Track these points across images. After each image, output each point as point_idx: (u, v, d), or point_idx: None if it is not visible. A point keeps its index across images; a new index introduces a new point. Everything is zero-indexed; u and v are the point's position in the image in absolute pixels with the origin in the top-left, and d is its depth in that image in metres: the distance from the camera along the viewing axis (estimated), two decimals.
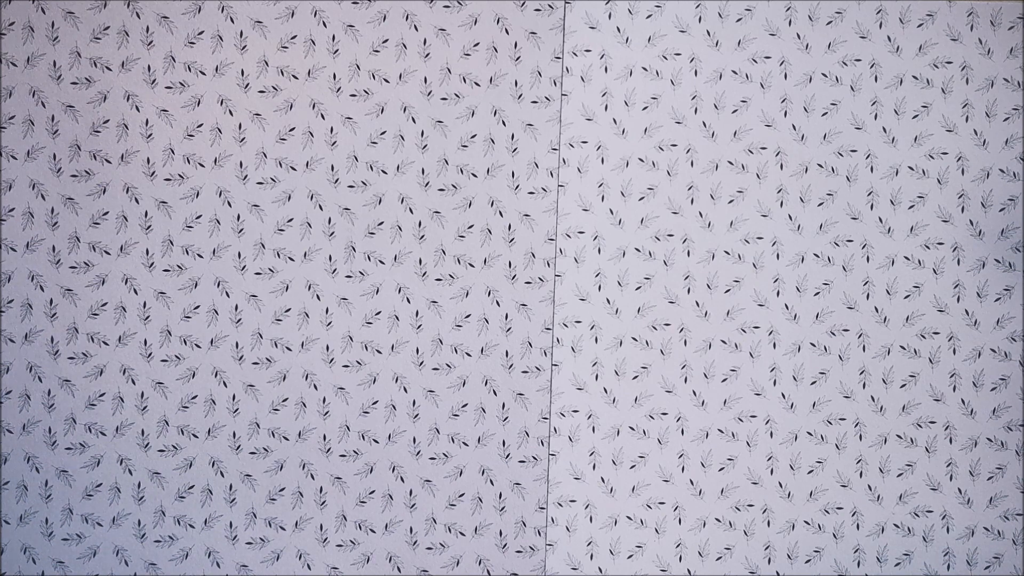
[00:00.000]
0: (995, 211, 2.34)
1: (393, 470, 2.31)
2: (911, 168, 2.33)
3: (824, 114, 2.31)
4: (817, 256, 2.33)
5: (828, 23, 2.31)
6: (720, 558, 2.35)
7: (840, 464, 2.35)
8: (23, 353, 2.25)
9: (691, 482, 2.34)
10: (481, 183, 2.29)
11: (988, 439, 2.35)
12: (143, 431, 2.27)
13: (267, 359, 2.28)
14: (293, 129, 2.26)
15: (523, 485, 2.32)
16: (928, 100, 2.32)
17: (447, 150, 2.28)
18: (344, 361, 2.29)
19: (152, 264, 2.25)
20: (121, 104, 2.23)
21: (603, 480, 2.33)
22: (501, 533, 2.32)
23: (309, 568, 2.30)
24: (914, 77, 2.32)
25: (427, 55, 2.26)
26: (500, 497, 2.32)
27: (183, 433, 2.28)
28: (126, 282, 2.25)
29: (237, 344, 2.27)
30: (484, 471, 2.31)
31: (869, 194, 2.33)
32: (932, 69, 2.32)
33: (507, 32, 2.27)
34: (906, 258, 2.33)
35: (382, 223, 2.28)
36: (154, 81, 2.24)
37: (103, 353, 2.25)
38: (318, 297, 2.28)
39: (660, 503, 2.34)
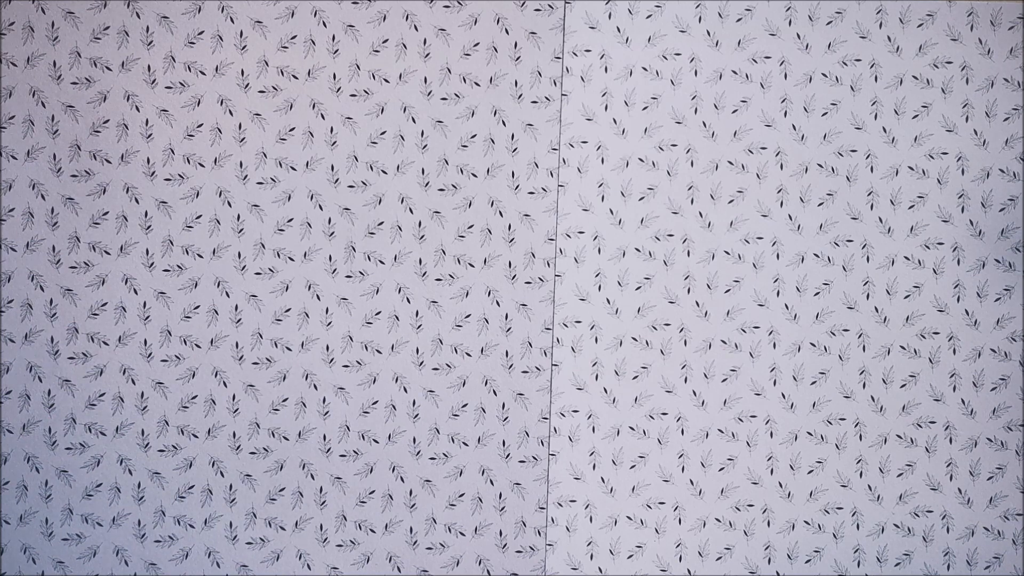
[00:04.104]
0: (995, 211, 2.34)
1: (393, 470, 2.31)
2: (911, 168, 2.33)
3: (824, 114, 2.32)
4: (817, 256, 2.33)
5: (828, 23, 2.31)
6: (720, 558, 2.35)
7: (840, 464, 2.35)
8: (23, 353, 2.25)
9: (691, 482, 2.34)
10: (481, 183, 2.29)
11: (988, 439, 2.35)
12: (143, 431, 2.27)
13: (267, 359, 2.28)
14: (293, 129, 2.26)
15: (523, 485, 2.32)
16: (928, 100, 2.32)
17: (447, 150, 2.28)
18: (344, 361, 2.29)
19: (152, 264, 2.25)
20: (121, 104, 2.23)
21: (603, 480, 2.33)
22: (501, 533, 2.32)
23: (309, 568, 2.30)
24: (914, 77, 2.32)
25: (427, 55, 2.27)
26: (500, 497, 2.32)
27: (183, 433, 2.28)
28: (126, 282, 2.25)
29: (237, 344, 2.27)
30: (484, 471, 2.32)
31: (869, 194, 2.33)
32: (932, 69, 2.32)
33: (507, 32, 2.27)
34: (906, 258, 2.34)
35: (382, 223, 2.28)
36: (154, 81, 2.24)
37: (103, 353, 2.25)
38: (318, 297, 2.28)
39: (660, 503, 2.34)
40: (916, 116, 2.32)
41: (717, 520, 2.34)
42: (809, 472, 2.35)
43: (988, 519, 2.36)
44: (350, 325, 2.28)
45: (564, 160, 2.30)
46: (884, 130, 2.32)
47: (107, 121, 2.23)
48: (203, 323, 2.27)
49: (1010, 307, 2.34)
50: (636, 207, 2.31)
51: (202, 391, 2.28)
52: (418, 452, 2.31)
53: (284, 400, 2.29)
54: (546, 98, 2.29)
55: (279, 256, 2.27)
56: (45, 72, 2.22)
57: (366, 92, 2.26)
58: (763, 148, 2.31)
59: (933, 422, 2.35)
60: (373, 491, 2.31)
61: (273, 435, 2.29)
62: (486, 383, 2.31)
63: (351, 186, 2.27)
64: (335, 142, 2.27)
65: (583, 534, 2.33)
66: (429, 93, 2.27)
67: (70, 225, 2.24)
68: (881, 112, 2.32)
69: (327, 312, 2.28)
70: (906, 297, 2.34)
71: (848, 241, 2.33)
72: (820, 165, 2.32)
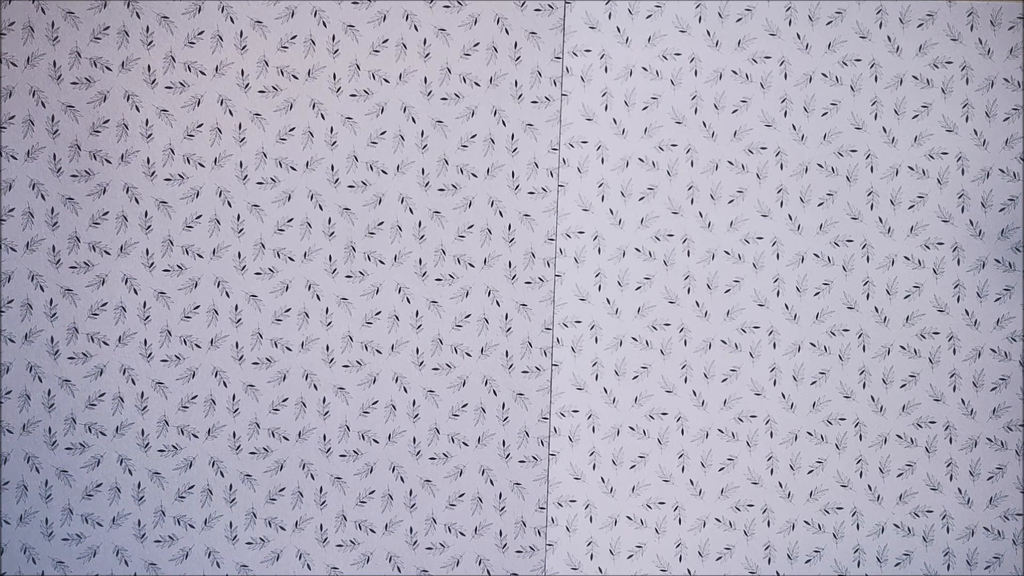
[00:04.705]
0: (995, 211, 2.34)
1: (393, 470, 2.31)
2: (911, 168, 2.33)
3: (824, 114, 2.32)
4: (817, 256, 2.33)
5: (828, 23, 2.31)
6: (720, 558, 2.35)
7: (840, 464, 2.35)
8: (23, 353, 2.25)
9: (691, 482, 2.34)
10: (481, 183, 2.29)
11: (988, 439, 2.35)
12: (143, 431, 2.27)
13: (267, 359, 2.28)
14: (293, 129, 2.26)
15: (523, 485, 2.32)
16: (928, 100, 2.32)
17: (447, 150, 2.28)
18: (344, 361, 2.29)
19: (152, 264, 2.25)
20: (121, 104, 2.23)
21: (603, 480, 2.33)
22: (501, 533, 2.32)
23: (309, 568, 2.30)
24: (914, 77, 2.32)
25: (427, 55, 2.27)
26: (500, 497, 2.32)
27: (183, 433, 2.28)
28: (126, 282, 2.25)
29: (237, 344, 2.27)
30: (484, 471, 2.32)
31: (869, 194, 2.33)
32: (932, 69, 2.32)
33: (507, 32, 2.27)
34: (906, 258, 2.34)
35: (382, 223, 2.28)
36: (154, 81, 2.24)
37: (103, 353, 2.25)
38: (318, 297, 2.28)
39: (660, 503, 2.34)
40: (916, 116, 2.32)
41: (717, 520, 2.34)
42: (809, 472, 2.35)
43: (988, 519, 2.36)
44: (350, 325, 2.28)
45: (564, 160, 2.30)
46: (884, 130, 2.32)
47: (107, 121, 2.23)
48: (203, 323, 2.27)
49: (1010, 307, 2.34)
50: (636, 207, 2.31)
51: (202, 391, 2.28)
52: (418, 452, 2.31)
53: (284, 400, 2.29)
54: (546, 98, 2.29)
55: (279, 256, 2.27)
56: (45, 72, 2.22)
57: (366, 92, 2.26)
58: (763, 148, 2.31)
59: (933, 422, 2.35)
60: (373, 491, 2.31)
61: (273, 435, 2.29)
62: (486, 383, 2.31)
63: (351, 186, 2.27)
64: (335, 142, 2.27)
65: (583, 534, 2.33)
66: (429, 93, 2.27)
67: (70, 225, 2.24)
68: (881, 112, 2.32)
69: (327, 312, 2.28)
70: (906, 297, 2.34)
71: (848, 241, 2.33)
72: (820, 165, 2.32)
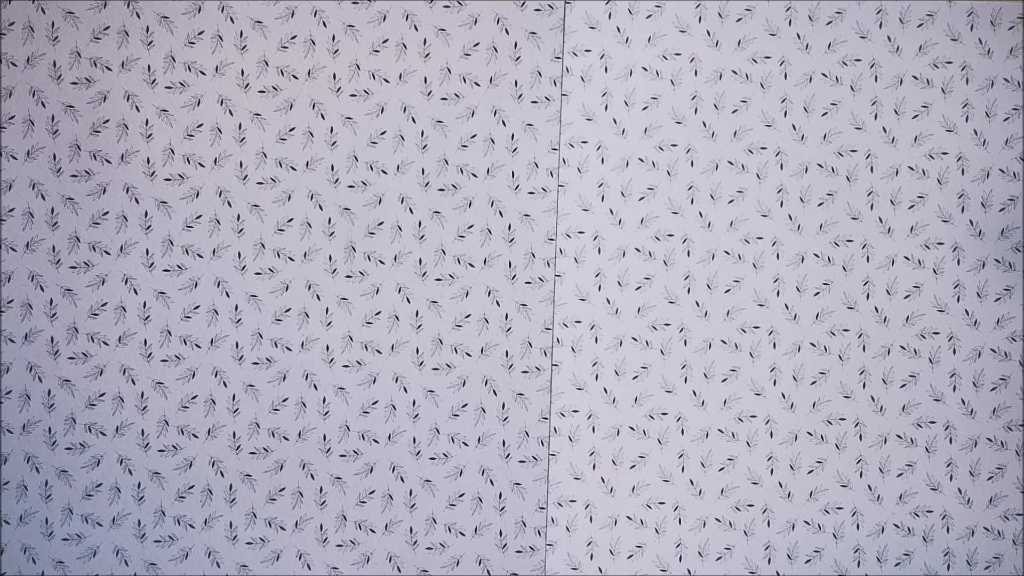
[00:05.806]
0: (995, 211, 2.34)
1: (393, 470, 2.31)
2: (911, 168, 2.33)
3: (824, 114, 2.32)
4: (817, 256, 2.33)
5: (828, 23, 2.31)
6: (720, 558, 2.35)
7: (840, 464, 2.35)
8: (23, 353, 2.25)
9: (691, 482, 2.34)
10: (481, 183, 2.29)
11: (988, 439, 2.35)
12: (143, 431, 2.27)
13: (267, 359, 2.28)
14: (293, 129, 2.26)
15: (523, 485, 2.32)
16: (928, 100, 2.32)
17: (447, 150, 2.28)
18: (344, 361, 2.29)
19: (152, 264, 2.25)
20: (121, 104, 2.23)
21: (603, 480, 2.33)
22: (501, 533, 2.32)
23: (309, 568, 2.30)
24: (914, 77, 2.32)
25: (427, 55, 2.27)
26: (500, 497, 2.32)
27: (183, 433, 2.28)
28: (126, 282, 2.25)
29: (237, 344, 2.27)
30: (484, 471, 2.32)
31: (869, 194, 2.33)
32: (932, 69, 2.32)
33: (507, 32, 2.27)
34: (906, 258, 2.34)
35: (382, 223, 2.28)
36: (154, 81, 2.24)
37: (103, 353, 2.25)
38: (318, 297, 2.28)
39: (660, 503, 2.34)
40: (916, 116, 2.32)
41: (717, 520, 2.34)
42: (809, 472, 2.35)
43: (988, 519, 2.36)
44: (350, 325, 2.28)
45: (564, 160, 2.30)
46: (884, 130, 2.32)
47: (107, 121, 2.23)
48: (203, 323, 2.27)
49: (1010, 307, 2.34)
50: (636, 207, 2.31)
51: (202, 391, 2.28)
52: (418, 452, 2.31)
53: (284, 400, 2.29)
54: (546, 98, 2.29)
55: (279, 256, 2.27)
56: (45, 72, 2.22)
57: (366, 92, 2.26)
58: (763, 148, 2.31)
59: (933, 422, 2.35)
60: (373, 491, 2.31)
61: (273, 435, 2.29)
62: (486, 383, 2.31)
63: (351, 186, 2.27)
64: (335, 142, 2.27)
65: (583, 534, 2.33)
66: (429, 93, 2.27)
67: (70, 225, 2.24)
68: (881, 112, 2.32)
69: (327, 312, 2.28)
70: (906, 297, 2.34)
71: (848, 241, 2.33)
72: (820, 165, 2.32)
